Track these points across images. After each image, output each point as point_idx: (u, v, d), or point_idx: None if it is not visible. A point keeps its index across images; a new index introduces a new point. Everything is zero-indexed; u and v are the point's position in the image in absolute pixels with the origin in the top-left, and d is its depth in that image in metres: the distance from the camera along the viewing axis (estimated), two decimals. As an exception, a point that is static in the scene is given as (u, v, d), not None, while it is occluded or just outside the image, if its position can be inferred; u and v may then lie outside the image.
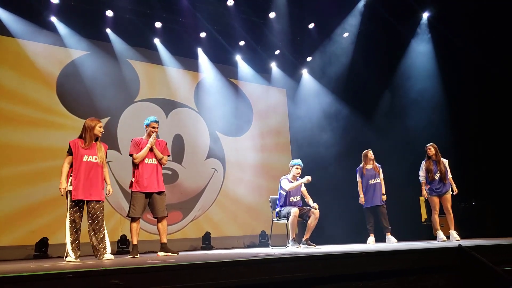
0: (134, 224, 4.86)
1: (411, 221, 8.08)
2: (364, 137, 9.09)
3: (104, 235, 4.37)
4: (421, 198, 8.38)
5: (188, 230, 9.18)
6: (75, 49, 8.62)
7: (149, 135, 5.00)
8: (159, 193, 4.91)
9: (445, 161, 6.17)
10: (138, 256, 4.81)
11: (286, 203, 5.96)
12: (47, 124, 8.04)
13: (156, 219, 4.99)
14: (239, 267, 2.23)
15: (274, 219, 6.27)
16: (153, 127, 5.00)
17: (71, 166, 4.34)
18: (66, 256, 4.27)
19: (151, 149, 4.92)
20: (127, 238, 8.03)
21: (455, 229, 5.92)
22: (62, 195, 4.26)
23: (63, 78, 8.39)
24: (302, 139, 10.64)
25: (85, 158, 4.29)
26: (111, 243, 4.55)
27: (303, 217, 5.87)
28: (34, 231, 7.43)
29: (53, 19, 8.28)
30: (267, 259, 2.38)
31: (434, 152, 6.16)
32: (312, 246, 5.65)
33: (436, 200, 6.08)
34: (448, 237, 5.92)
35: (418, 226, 8.15)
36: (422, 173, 6.21)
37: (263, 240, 9.44)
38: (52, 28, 8.34)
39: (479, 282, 2.79)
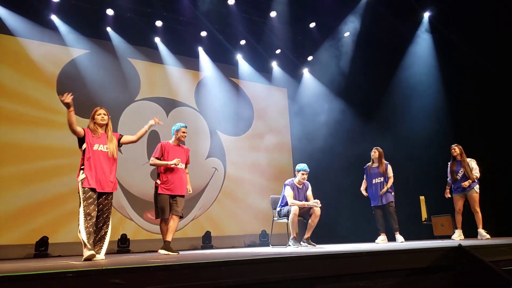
0: (164, 225, 5.03)
1: (412, 221, 8.08)
2: (364, 137, 9.09)
3: (105, 233, 4.04)
4: (421, 198, 8.38)
5: (189, 229, 9.18)
6: (75, 48, 8.62)
7: (178, 140, 5.23)
8: (182, 195, 5.14)
9: (471, 161, 6.16)
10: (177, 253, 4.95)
11: (289, 205, 5.97)
12: (47, 123, 8.04)
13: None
14: (240, 267, 2.23)
15: (274, 218, 6.27)
16: (183, 132, 5.23)
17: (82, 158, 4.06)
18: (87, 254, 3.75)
19: (178, 153, 5.15)
20: (127, 237, 8.05)
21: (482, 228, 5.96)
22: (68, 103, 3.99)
23: (63, 77, 8.39)
24: (302, 138, 10.63)
25: (95, 147, 4.04)
26: (111, 242, 4.51)
27: (304, 215, 5.86)
28: (35, 230, 7.43)
29: (54, 17, 8.28)
30: (267, 258, 2.38)
31: (458, 152, 6.19)
32: (312, 246, 5.64)
33: (457, 198, 6.10)
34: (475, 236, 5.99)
35: (418, 226, 8.15)
36: (449, 175, 6.26)
37: (263, 239, 9.44)
38: (52, 27, 8.34)
39: (479, 282, 2.79)
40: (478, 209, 5.99)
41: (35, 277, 1.80)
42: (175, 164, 4.97)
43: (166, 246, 4.93)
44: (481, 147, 7.24)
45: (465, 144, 6.44)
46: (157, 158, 5.08)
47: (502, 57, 6.99)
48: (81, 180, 3.90)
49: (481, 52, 7.28)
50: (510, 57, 6.86)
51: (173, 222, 5.00)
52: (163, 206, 4.98)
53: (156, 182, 5.09)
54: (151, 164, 5.13)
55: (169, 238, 4.96)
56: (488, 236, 5.80)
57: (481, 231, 5.90)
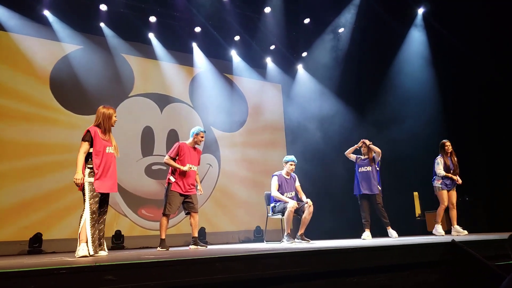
0: (165, 220, 5.23)
1: (405, 216, 8.13)
2: (359, 133, 9.11)
3: (104, 229, 4.13)
4: (415, 194, 8.43)
5: (183, 225, 9.16)
6: (68, 44, 8.54)
7: (195, 143, 5.49)
8: (193, 194, 5.42)
9: (455, 158, 6.26)
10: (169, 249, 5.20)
11: (271, 195, 6.04)
12: (40, 119, 7.98)
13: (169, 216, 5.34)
14: (234, 263, 2.23)
15: (269, 214, 6.28)
16: (202, 137, 5.51)
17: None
18: (81, 251, 3.72)
19: (192, 155, 5.42)
20: (122, 234, 8.04)
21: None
22: (78, 186, 3.85)
23: (56, 73, 8.31)
24: (297, 134, 10.65)
25: (107, 150, 4.02)
26: (106, 238, 4.50)
27: (298, 212, 5.88)
28: (28, 226, 7.39)
29: (46, 12, 8.20)
30: (261, 254, 2.38)
31: (451, 149, 6.22)
32: (306, 241, 5.66)
33: (446, 194, 6.11)
34: (450, 231, 6.00)
35: (412, 221, 8.20)
36: (441, 167, 6.15)
37: (258, 235, 9.45)
38: (45, 22, 8.26)
39: (471, 277, 2.81)
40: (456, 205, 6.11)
41: (28, 274, 1.79)
42: (186, 170, 5.21)
43: (195, 241, 5.32)
44: (475, 144, 7.29)
45: (458, 140, 6.47)
46: (172, 158, 5.31)
47: (496, 52, 7.02)
48: (90, 182, 3.87)
49: (475, 46, 7.31)
50: (506, 54, 6.88)
51: (194, 219, 5.36)
52: (171, 202, 5.19)
53: (169, 179, 5.29)
54: (165, 162, 5.36)
55: (195, 234, 5.38)
56: (465, 232, 5.85)
57: (457, 227, 5.97)
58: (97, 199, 3.90)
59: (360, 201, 6.52)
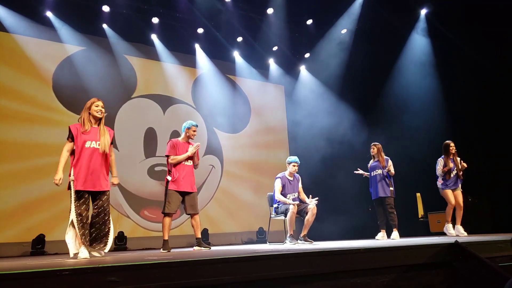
0: (168, 220, 5.15)
1: (408, 217, 8.10)
2: (362, 133, 9.10)
3: (109, 229, 4.01)
4: (418, 195, 8.40)
5: (186, 226, 9.17)
6: (71, 45, 8.57)
7: (187, 138, 5.34)
8: (192, 192, 5.28)
9: (458, 158, 6.22)
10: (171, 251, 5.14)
11: (275, 198, 6.04)
12: (43, 121, 8.00)
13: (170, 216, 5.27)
14: (237, 264, 2.23)
15: (271, 216, 6.28)
16: (194, 131, 5.35)
17: (72, 153, 3.87)
18: (80, 254, 3.80)
19: (186, 150, 5.24)
20: (124, 235, 8.04)
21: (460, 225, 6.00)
22: (58, 185, 3.78)
23: (59, 74, 8.34)
24: (299, 135, 10.64)
25: (87, 144, 3.79)
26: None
27: (301, 213, 5.88)
28: (31, 228, 7.40)
29: (49, 14, 8.23)
30: (264, 255, 2.38)
31: (455, 150, 6.18)
32: (309, 243, 5.65)
33: (450, 193, 6.07)
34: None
35: (415, 222, 8.18)
36: (439, 167, 6.15)
37: (260, 236, 9.45)
38: (48, 24, 8.29)
39: (475, 278, 2.80)
40: (462, 205, 6.08)
41: (31, 275, 1.79)
42: (193, 152, 5.16)
43: (199, 242, 5.25)
44: (478, 144, 7.26)
45: (462, 141, 6.44)
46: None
47: (499, 52, 6.99)
48: (72, 180, 3.77)
49: (478, 47, 7.28)
50: (507, 53, 6.86)
51: (195, 221, 5.30)
52: (170, 201, 5.12)
53: (166, 179, 5.25)
54: (172, 163, 5.20)
55: (198, 235, 5.30)
56: (465, 234, 5.84)
57: (460, 227, 5.96)
58: (82, 200, 3.79)
59: (375, 205, 6.56)
